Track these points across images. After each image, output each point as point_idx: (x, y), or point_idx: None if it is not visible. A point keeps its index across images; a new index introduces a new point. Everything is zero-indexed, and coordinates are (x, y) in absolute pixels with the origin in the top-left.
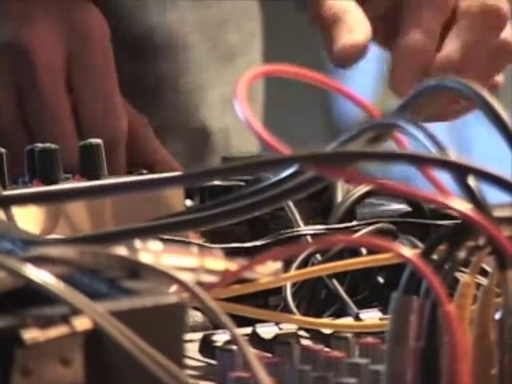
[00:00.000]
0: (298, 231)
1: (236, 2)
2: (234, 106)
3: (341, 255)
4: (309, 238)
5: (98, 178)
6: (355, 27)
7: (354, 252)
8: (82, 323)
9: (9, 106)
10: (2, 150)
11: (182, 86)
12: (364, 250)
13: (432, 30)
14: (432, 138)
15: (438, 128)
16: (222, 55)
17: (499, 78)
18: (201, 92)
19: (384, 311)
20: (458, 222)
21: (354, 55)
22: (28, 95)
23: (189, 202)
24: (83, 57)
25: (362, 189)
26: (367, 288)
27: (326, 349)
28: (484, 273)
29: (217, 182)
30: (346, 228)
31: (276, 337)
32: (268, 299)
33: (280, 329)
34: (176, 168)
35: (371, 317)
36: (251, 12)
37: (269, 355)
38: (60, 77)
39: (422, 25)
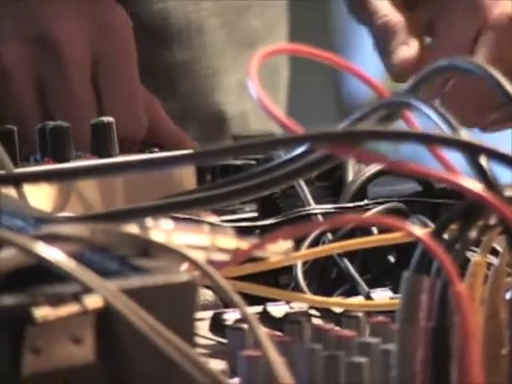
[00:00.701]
0: (308, 210)
1: None
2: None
3: (352, 234)
4: (320, 216)
5: (109, 157)
6: (409, 41)
7: (364, 231)
8: (93, 301)
9: (29, 89)
10: (13, 127)
11: (198, 71)
12: (375, 229)
13: (463, 47)
14: (444, 117)
15: None
16: (241, 40)
17: None
18: (217, 77)
19: (395, 290)
20: (469, 201)
21: (412, 71)
22: (53, 85)
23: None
24: (108, 55)
25: (373, 168)
26: (378, 267)
27: (337, 328)
28: (495, 252)
29: (228, 161)
30: (357, 207)
31: (286, 315)
32: (279, 278)
33: (291, 307)
34: (191, 146)
35: (382, 296)
36: None
37: (279, 334)
38: (86, 70)
39: (453, 40)
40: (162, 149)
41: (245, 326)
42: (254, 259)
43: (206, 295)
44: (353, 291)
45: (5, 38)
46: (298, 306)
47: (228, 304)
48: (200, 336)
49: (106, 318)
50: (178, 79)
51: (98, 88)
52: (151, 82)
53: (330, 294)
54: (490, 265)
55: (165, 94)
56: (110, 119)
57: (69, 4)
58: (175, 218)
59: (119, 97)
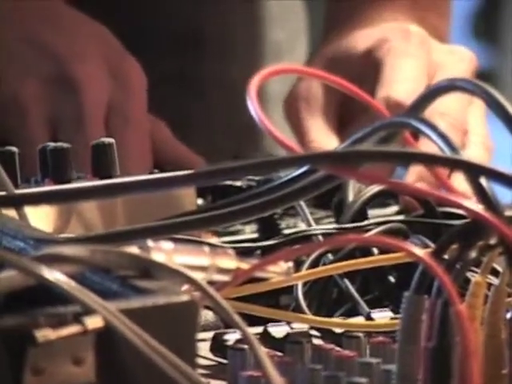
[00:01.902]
0: (309, 231)
1: (280, 2)
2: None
3: (352, 255)
4: (320, 237)
5: (109, 178)
6: None
7: (365, 251)
8: (93, 322)
9: (43, 127)
10: (14, 149)
11: (228, 82)
12: (375, 250)
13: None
14: (444, 137)
15: None
16: (267, 52)
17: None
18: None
19: (395, 311)
20: (470, 221)
21: None
22: (68, 125)
23: (200, 202)
24: (122, 106)
25: (374, 188)
26: (378, 287)
27: (338, 348)
28: (495, 272)
29: (228, 182)
30: (358, 227)
31: (287, 336)
32: (279, 298)
33: (291, 328)
34: (201, 164)
35: (382, 316)
36: (296, 10)
37: (280, 354)
38: (101, 114)
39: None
40: (162, 170)
41: (246, 346)
42: (254, 280)
43: (207, 316)
44: (353, 311)
45: (24, 73)
46: (298, 327)
47: (229, 324)
48: (201, 356)
49: (106, 338)
50: (208, 90)
51: (108, 133)
52: (181, 93)
53: (330, 315)
54: (490, 285)
55: (195, 105)
56: (111, 140)
57: (89, 45)
58: (176, 239)
59: (129, 146)
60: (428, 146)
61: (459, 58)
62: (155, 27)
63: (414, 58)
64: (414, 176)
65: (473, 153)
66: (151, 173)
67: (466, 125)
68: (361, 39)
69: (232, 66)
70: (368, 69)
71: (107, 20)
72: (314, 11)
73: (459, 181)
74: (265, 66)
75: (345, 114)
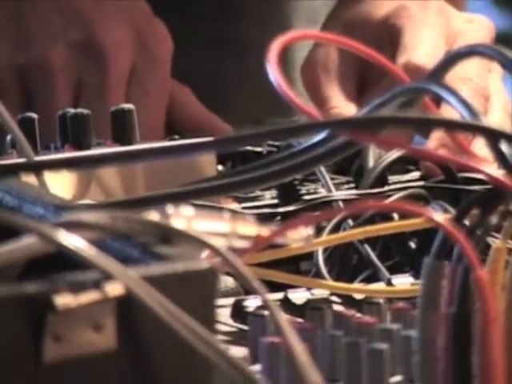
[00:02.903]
0: (329, 196)
1: None
2: None
3: (372, 220)
4: (340, 203)
5: (129, 144)
6: None
7: (385, 217)
8: (113, 289)
9: (67, 91)
10: (34, 115)
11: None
12: (396, 216)
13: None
14: (464, 103)
15: None
16: (306, 16)
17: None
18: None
19: (416, 276)
20: (490, 187)
21: None
22: (90, 91)
23: (221, 168)
24: (144, 76)
25: (394, 154)
26: (399, 253)
27: (358, 314)
28: None
29: (248, 148)
30: (378, 193)
31: (308, 302)
32: (299, 265)
33: (312, 294)
34: (226, 129)
35: (403, 282)
36: None
37: (300, 320)
38: (124, 82)
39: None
40: (183, 137)
41: (266, 312)
42: (274, 246)
43: (227, 282)
44: (374, 277)
45: (53, 38)
46: (318, 293)
47: (249, 291)
48: (221, 323)
49: (126, 305)
50: (246, 54)
51: (126, 101)
52: (219, 56)
53: (351, 281)
54: (511, 250)
55: (232, 68)
56: (131, 106)
57: (117, 11)
58: (196, 205)
59: (141, 117)
60: (449, 112)
61: (478, 26)
62: None
63: (433, 25)
64: (436, 142)
65: (495, 118)
66: (171, 139)
67: (488, 91)
68: (379, 5)
69: (270, 30)
70: (385, 35)
71: None
72: None
73: (480, 146)
74: (303, 29)
75: (363, 79)
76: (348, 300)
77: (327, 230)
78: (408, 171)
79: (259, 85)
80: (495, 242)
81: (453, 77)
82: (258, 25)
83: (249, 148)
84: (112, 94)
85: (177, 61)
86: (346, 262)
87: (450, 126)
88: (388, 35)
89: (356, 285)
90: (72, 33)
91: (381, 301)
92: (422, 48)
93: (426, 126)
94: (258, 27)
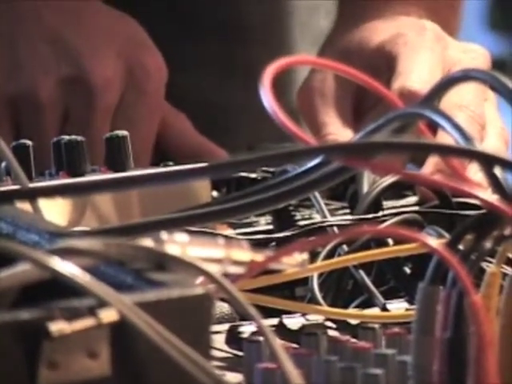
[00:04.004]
0: (324, 222)
1: None
2: None
3: (367, 246)
4: (335, 228)
5: (124, 170)
6: None
7: (380, 242)
8: (108, 315)
9: (56, 123)
10: (29, 142)
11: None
12: (390, 241)
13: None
14: (458, 128)
15: None
16: (311, 39)
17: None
18: (291, 75)
19: (410, 301)
20: (484, 211)
21: None
22: (76, 123)
23: (215, 194)
24: (131, 108)
25: (388, 179)
26: (394, 278)
27: (353, 339)
28: (510, 263)
29: (243, 174)
30: (373, 218)
31: (303, 328)
32: (294, 290)
33: (307, 320)
34: (221, 155)
35: (398, 307)
36: None
37: (296, 346)
38: (110, 115)
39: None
40: (177, 163)
41: (261, 338)
42: (269, 271)
43: (222, 308)
44: (369, 303)
45: (42, 68)
46: (314, 318)
47: (244, 317)
48: (216, 349)
49: (121, 331)
50: (254, 77)
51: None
52: (226, 80)
53: (345, 306)
54: (505, 275)
55: (240, 91)
56: (125, 133)
57: (108, 44)
58: (190, 232)
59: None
60: (446, 138)
61: (474, 56)
62: (200, 13)
63: (429, 52)
64: (431, 167)
65: (490, 144)
66: (166, 165)
67: (484, 118)
68: (375, 32)
69: (276, 53)
70: (381, 62)
71: (152, 5)
72: None
73: (475, 171)
74: (310, 53)
75: (359, 106)
76: (343, 325)
77: (322, 255)
78: (404, 196)
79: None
80: (489, 266)
81: (449, 104)
82: (264, 47)
83: (243, 174)
84: (97, 126)
85: (182, 82)
86: (341, 288)
87: (444, 151)
88: (384, 61)
89: (351, 310)
90: (62, 66)
91: (376, 326)
92: (417, 73)
93: (420, 151)
94: (263, 50)
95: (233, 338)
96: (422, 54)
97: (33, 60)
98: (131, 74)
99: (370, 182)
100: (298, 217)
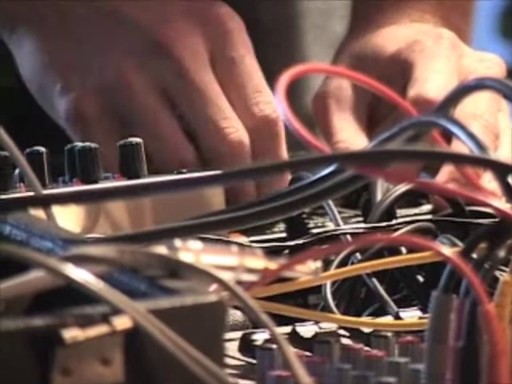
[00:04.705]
0: (337, 230)
1: None
2: None
3: (380, 254)
4: (348, 236)
5: (137, 177)
6: None
7: (393, 251)
8: (121, 322)
9: (164, 110)
10: (42, 149)
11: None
12: (404, 249)
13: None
14: (472, 137)
15: None
16: (326, 43)
17: None
18: (305, 80)
19: (424, 310)
20: (498, 220)
21: None
22: (177, 89)
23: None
24: (225, 49)
25: (402, 187)
26: (407, 287)
27: (366, 348)
28: None
29: None
30: (386, 227)
31: (316, 335)
32: (308, 298)
33: (320, 328)
34: None
35: (411, 315)
36: None
37: (309, 354)
38: (206, 66)
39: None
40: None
41: (274, 346)
42: (282, 279)
43: (235, 315)
44: (382, 311)
45: (122, 52)
46: (327, 326)
47: (257, 324)
48: (229, 356)
49: (134, 338)
50: (267, 80)
51: (220, 84)
52: None
53: (359, 314)
54: None
55: None
56: (138, 140)
57: (176, 7)
58: (203, 239)
59: (245, 87)
60: (460, 146)
61: (489, 65)
62: None
63: (445, 60)
64: (446, 175)
65: (504, 153)
66: (179, 172)
67: (498, 128)
68: (390, 39)
69: (291, 57)
70: (396, 69)
71: None
72: None
73: (488, 180)
74: (325, 57)
75: (374, 113)
76: (356, 333)
77: (335, 263)
78: (419, 204)
79: None
80: (503, 275)
81: (464, 113)
82: (278, 51)
83: None
84: (193, 72)
85: None
86: (354, 296)
87: (458, 159)
88: (399, 69)
89: (364, 318)
90: (134, 41)
91: (389, 334)
92: (433, 81)
93: (434, 159)
94: (277, 53)
95: (246, 345)
96: (439, 62)
97: (113, 46)
98: (209, 26)
99: (384, 191)
100: (312, 225)
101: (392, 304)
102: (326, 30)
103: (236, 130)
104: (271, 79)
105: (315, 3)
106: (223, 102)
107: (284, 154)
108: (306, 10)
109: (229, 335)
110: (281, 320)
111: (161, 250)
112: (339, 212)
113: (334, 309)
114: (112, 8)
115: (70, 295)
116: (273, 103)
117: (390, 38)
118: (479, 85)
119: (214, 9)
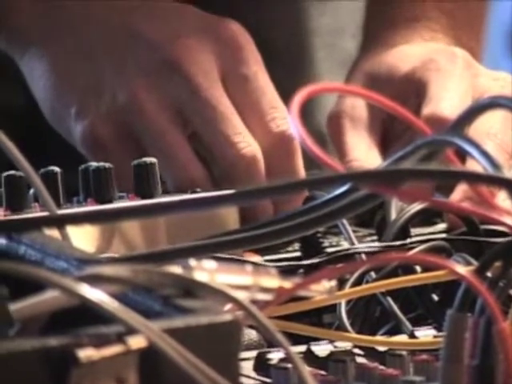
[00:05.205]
0: (352, 249)
1: (351, 11)
2: None
3: (395, 273)
4: (363, 255)
5: (151, 197)
6: None
7: (408, 269)
8: (136, 342)
9: (175, 130)
10: (57, 168)
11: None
12: (418, 268)
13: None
14: (486, 156)
15: None
16: (337, 61)
17: None
18: (316, 97)
19: (438, 329)
20: None
21: None
22: (189, 105)
23: None
24: (238, 66)
25: (416, 206)
26: (421, 305)
27: (381, 366)
28: None
29: None
30: (401, 246)
31: (331, 354)
32: (322, 317)
33: (335, 346)
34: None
35: (426, 334)
36: None
37: (323, 373)
38: (218, 83)
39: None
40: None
41: (289, 365)
42: (297, 298)
43: (250, 335)
44: (396, 330)
45: (134, 73)
46: (342, 345)
47: (272, 343)
48: (244, 376)
49: (149, 358)
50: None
51: (232, 101)
52: None
53: (373, 333)
54: None
55: None
56: (153, 160)
57: (186, 25)
58: (218, 258)
59: (258, 103)
60: (474, 165)
61: (503, 84)
62: None
63: (460, 79)
64: (460, 194)
65: None
66: (193, 192)
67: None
68: (404, 57)
69: (302, 75)
70: (411, 87)
71: None
72: None
73: (503, 198)
74: (336, 75)
75: (388, 132)
76: (371, 352)
77: (350, 282)
78: (433, 223)
79: None
80: None
81: (478, 131)
82: (289, 69)
83: None
84: (205, 89)
85: None
86: (369, 315)
87: (471, 178)
88: (414, 87)
89: (379, 337)
90: (146, 60)
91: (404, 353)
92: (447, 100)
93: (448, 178)
94: (288, 72)
95: (261, 364)
96: (453, 81)
97: (125, 66)
98: (216, 38)
99: (398, 209)
100: (326, 244)
101: (407, 323)
102: (336, 48)
103: (248, 144)
104: (282, 97)
105: (326, 21)
106: (235, 118)
107: (301, 170)
108: (316, 29)
109: (244, 354)
110: (296, 339)
111: (175, 269)
112: (353, 231)
113: (349, 328)
114: (124, 26)
115: (85, 315)
116: (288, 119)
117: (404, 56)
118: (493, 103)
119: (224, 25)
